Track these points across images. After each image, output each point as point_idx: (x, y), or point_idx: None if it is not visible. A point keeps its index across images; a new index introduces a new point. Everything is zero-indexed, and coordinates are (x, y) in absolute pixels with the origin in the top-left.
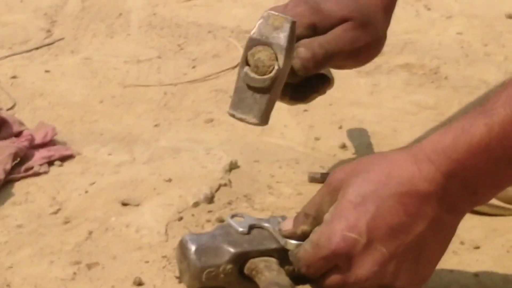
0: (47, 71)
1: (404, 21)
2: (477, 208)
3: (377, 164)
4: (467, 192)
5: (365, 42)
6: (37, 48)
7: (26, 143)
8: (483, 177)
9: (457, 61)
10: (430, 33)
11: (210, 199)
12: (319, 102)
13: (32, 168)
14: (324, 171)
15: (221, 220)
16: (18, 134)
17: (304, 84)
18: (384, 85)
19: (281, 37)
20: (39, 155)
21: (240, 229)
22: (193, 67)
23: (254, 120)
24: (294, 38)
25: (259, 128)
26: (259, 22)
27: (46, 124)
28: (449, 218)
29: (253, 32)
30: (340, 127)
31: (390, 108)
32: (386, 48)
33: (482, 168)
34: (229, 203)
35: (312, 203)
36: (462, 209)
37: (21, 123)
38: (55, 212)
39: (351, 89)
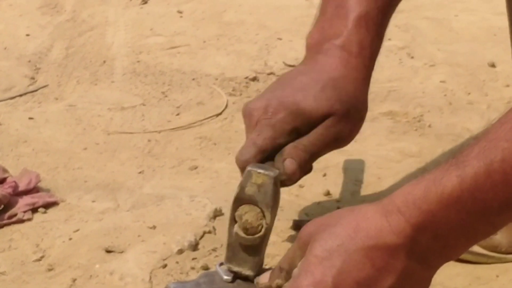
0: (31, 118)
1: (387, 69)
2: (461, 256)
3: (346, 218)
4: (438, 244)
5: (349, 130)
6: (21, 95)
7: (9, 190)
8: (455, 230)
9: (440, 109)
10: (413, 81)
11: (194, 247)
12: None
13: (15, 215)
14: (309, 218)
15: (205, 268)
16: (2, 181)
17: None
18: (368, 132)
19: (266, 196)
20: (23, 202)
21: (225, 277)
22: (177, 114)
23: (250, 272)
24: (278, 191)
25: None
26: (242, 180)
27: (30, 171)
28: (420, 270)
29: (237, 192)
30: (324, 175)
31: (374, 156)
32: (369, 96)
33: (453, 220)
34: (214, 250)
35: (286, 257)
36: (433, 262)
37: (5, 170)
38: (39, 259)
39: None
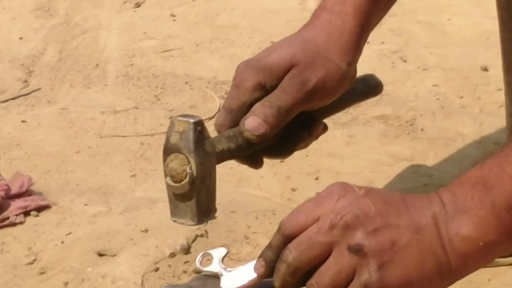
0: (23, 122)
1: (380, 73)
2: None
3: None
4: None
5: (316, 79)
6: (13, 99)
7: (2, 193)
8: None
9: (433, 113)
10: (406, 85)
11: (186, 250)
12: (295, 153)
13: (8, 218)
14: None
15: (198, 271)
16: None
17: (286, 138)
18: (360, 136)
19: (188, 141)
20: (15, 205)
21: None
22: (170, 117)
23: (192, 222)
24: (202, 137)
25: (236, 178)
26: (167, 131)
27: (23, 174)
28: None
29: (165, 143)
30: (317, 178)
31: (366, 159)
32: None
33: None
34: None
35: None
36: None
37: None
38: (31, 263)
39: (327, 141)
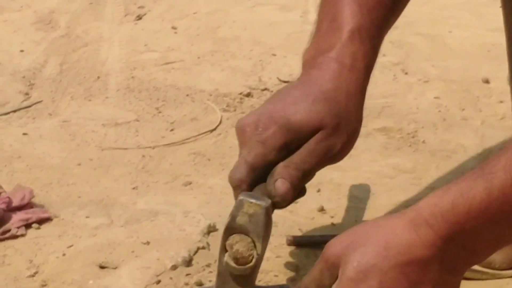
0: (24, 134)
1: (381, 85)
2: None
3: (373, 235)
4: (466, 252)
5: (341, 144)
6: (15, 111)
7: (3, 206)
8: (482, 238)
9: (434, 125)
10: (407, 97)
11: (188, 262)
12: None
13: (9, 231)
14: (302, 234)
15: (199, 284)
16: None
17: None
18: (361, 148)
19: (258, 226)
20: (17, 218)
21: None
22: (171, 130)
23: None
24: (270, 221)
25: None
26: (233, 209)
27: (24, 187)
28: (450, 277)
29: (228, 221)
30: (318, 190)
31: (368, 172)
32: (363, 111)
33: (481, 230)
34: (208, 265)
35: (312, 279)
36: (461, 268)
37: None
38: (32, 275)
39: None
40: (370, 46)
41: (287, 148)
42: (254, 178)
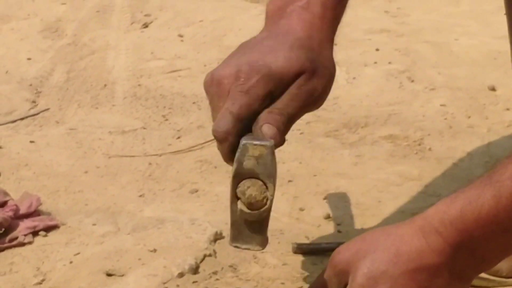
0: (32, 142)
1: (388, 93)
2: None
3: (383, 242)
4: (475, 260)
5: (321, 87)
6: (22, 119)
7: (10, 214)
8: (491, 246)
9: (440, 132)
10: (414, 105)
11: (195, 270)
12: (303, 173)
13: (16, 238)
14: (309, 241)
15: None
16: (3, 205)
17: None
18: (368, 156)
19: (266, 167)
20: (24, 226)
21: None
22: (178, 137)
23: (259, 248)
24: (275, 161)
25: None
26: (238, 155)
27: (31, 195)
28: (459, 283)
29: (236, 167)
30: (325, 198)
31: (374, 179)
32: (370, 119)
33: (490, 237)
34: (214, 273)
35: (319, 285)
36: (470, 275)
37: (6, 193)
38: (40, 283)
39: (335, 160)
40: None
41: (271, 96)
42: (241, 129)
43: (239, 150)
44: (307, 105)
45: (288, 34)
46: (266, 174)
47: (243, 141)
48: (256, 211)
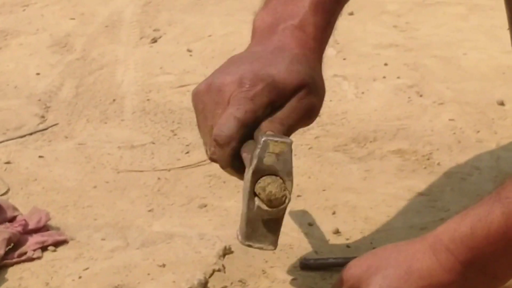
0: (40, 157)
1: (396, 108)
2: None
3: (394, 259)
4: (486, 277)
5: (319, 104)
6: (31, 134)
7: (19, 229)
8: (502, 263)
9: (449, 147)
10: (422, 119)
11: (204, 285)
12: (312, 187)
13: (25, 253)
14: (317, 257)
15: None
16: (12, 220)
17: None
18: (376, 171)
19: (286, 164)
20: (33, 241)
21: None
22: (187, 152)
23: (271, 247)
24: (292, 159)
25: None
26: (258, 151)
27: (40, 209)
28: None
29: (255, 163)
30: (334, 213)
31: (383, 194)
32: (378, 134)
33: (500, 254)
34: None
35: None
36: None
37: (15, 208)
38: None
39: (343, 175)
40: (328, 20)
41: (272, 106)
42: (245, 135)
43: (258, 146)
44: (304, 119)
45: (284, 50)
46: (286, 172)
47: (263, 137)
48: (275, 209)
